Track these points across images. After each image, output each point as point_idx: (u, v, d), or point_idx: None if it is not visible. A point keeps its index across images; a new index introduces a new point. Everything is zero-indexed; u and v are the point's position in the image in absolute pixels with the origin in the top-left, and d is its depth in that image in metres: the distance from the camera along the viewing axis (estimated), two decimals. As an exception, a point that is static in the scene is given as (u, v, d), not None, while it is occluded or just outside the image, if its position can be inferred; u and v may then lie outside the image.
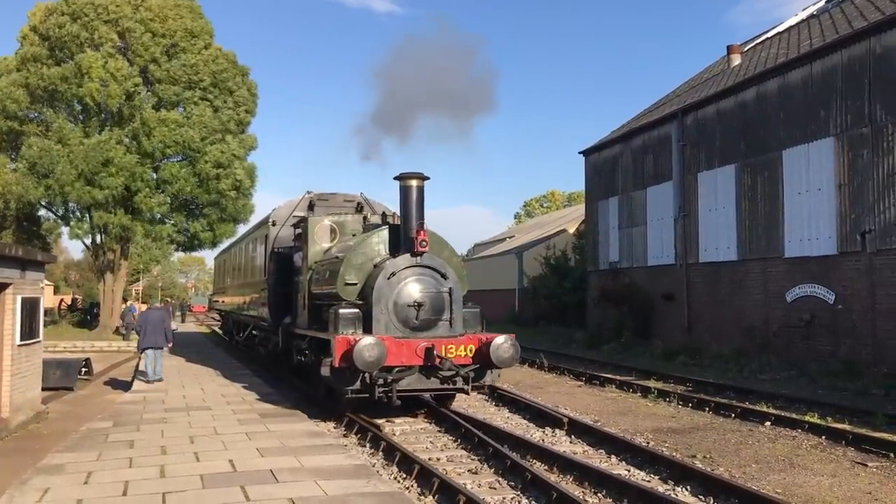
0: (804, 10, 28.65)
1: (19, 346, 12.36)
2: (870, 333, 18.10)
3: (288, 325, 15.76)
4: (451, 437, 11.70)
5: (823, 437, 11.70)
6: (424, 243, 12.20)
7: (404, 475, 9.23)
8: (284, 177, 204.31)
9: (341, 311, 11.99)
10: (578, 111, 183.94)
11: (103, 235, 37.36)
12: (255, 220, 33.05)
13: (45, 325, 14.80)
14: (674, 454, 10.42)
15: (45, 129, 34.95)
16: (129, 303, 45.69)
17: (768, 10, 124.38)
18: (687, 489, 8.57)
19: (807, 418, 12.82)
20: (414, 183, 12.53)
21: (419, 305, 12.13)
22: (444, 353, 11.61)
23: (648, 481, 8.87)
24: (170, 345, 17.73)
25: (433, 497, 8.27)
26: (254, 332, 22.71)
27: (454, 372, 11.73)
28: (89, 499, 7.44)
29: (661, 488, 8.51)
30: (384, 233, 13.18)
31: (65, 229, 38.54)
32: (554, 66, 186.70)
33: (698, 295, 25.05)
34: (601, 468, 9.21)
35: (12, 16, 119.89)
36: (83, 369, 19.13)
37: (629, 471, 9.43)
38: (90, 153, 32.91)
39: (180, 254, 53.75)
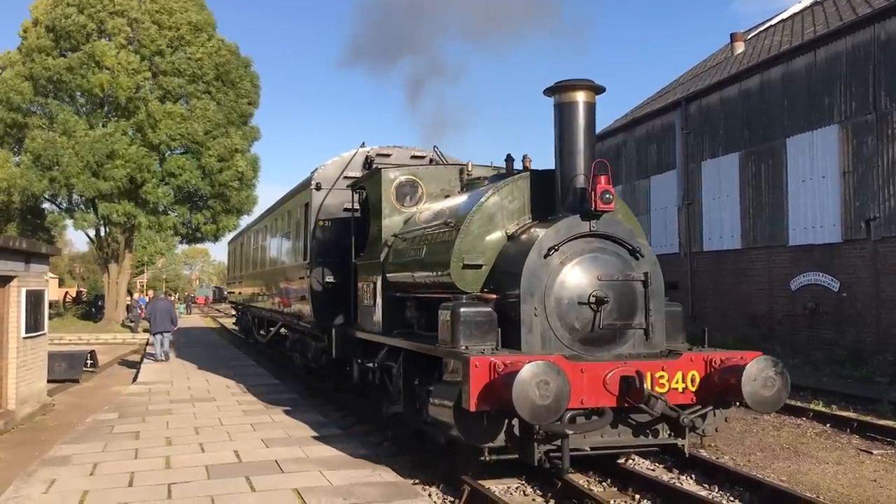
0: (808, -4, 28.48)
1: (24, 338, 12.39)
2: (874, 321, 18.08)
3: (343, 328, 11.61)
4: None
5: (828, 424, 11.70)
6: (609, 197, 7.38)
7: None
8: (288, 167, 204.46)
9: (465, 309, 7.37)
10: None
11: (108, 227, 37.45)
12: (258, 210, 32.25)
13: (49, 318, 14.85)
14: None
15: (50, 121, 34.99)
16: (135, 296, 45.87)
17: (771, 0, 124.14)
18: (692, 478, 8.57)
19: (811, 406, 12.83)
20: (581, 97, 7.78)
21: (599, 303, 7.38)
22: (652, 387, 7.01)
23: (653, 470, 8.86)
24: (175, 328, 20.89)
25: None
26: (284, 331, 18.11)
27: (674, 416, 7.12)
28: (95, 490, 7.47)
29: (666, 477, 8.51)
30: (522, 184, 8.38)
31: (69, 221, 38.64)
32: (553, 61, 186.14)
33: (702, 284, 25.02)
34: None
35: (13, 11, 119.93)
36: (88, 361, 19.22)
37: (633, 459, 9.41)
38: (95, 145, 32.96)
39: (184, 246, 53.82)
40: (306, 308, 13.49)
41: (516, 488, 8.08)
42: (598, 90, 7.90)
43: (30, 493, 7.40)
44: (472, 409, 6.58)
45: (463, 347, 7.15)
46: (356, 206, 11.77)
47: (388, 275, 9.91)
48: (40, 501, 7.16)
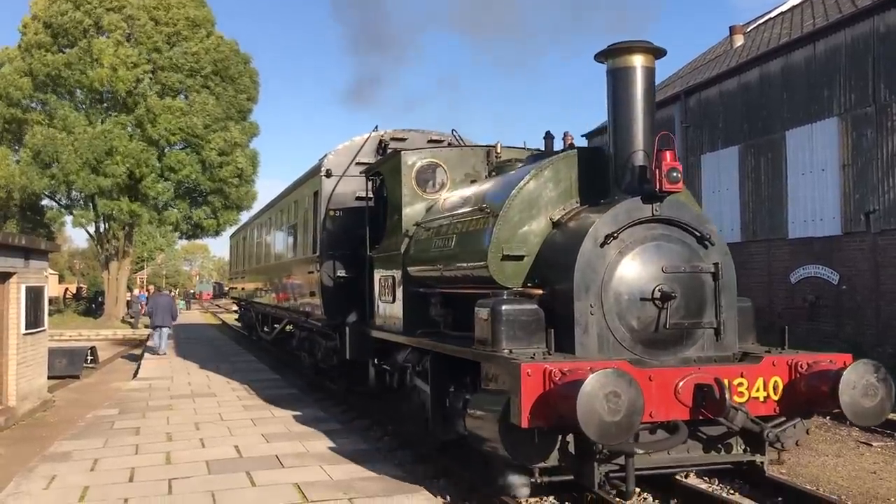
0: (807, -11, 28.43)
1: (24, 334, 12.41)
2: (874, 314, 18.08)
3: (358, 326, 10.78)
4: None
5: (828, 416, 11.71)
6: (676, 175, 6.39)
7: None
8: (287, 164, 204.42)
9: (508, 307, 6.43)
10: (578, 96, 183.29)
11: (108, 223, 37.46)
12: (258, 206, 32.06)
13: (50, 314, 14.86)
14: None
15: (49, 117, 34.98)
16: (135, 292, 45.86)
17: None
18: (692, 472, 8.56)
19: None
20: (638, 61, 6.80)
21: (665, 298, 6.39)
22: (731, 396, 6.00)
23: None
24: (174, 322, 21.76)
25: None
26: (290, 329, 17.27)
27: (757, 429, 6.23)
28: (96, 486, 7.48)
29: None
30: (567, 164, 7.38)
31: (69, 218, 38.67)
32: (551, 60, 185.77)
33: (702, 277, 24.96)
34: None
35: (14, 6, 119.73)
36: (89, 357, 19.24)
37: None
38: (95, 141, 32.96)
39: (184, 241, 53.87)
40: (316, 304, 12.51)
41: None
42: (658, 53, 6.89)
43: (30, 489, 7.41)
44: (525, 425, 5.65)
45: (506, 351, 6.25)
46: (370, 194, 10.87)
47: (409, 268, 8.96)
48: (41, 497, 7.17)
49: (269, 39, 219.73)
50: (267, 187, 77.43)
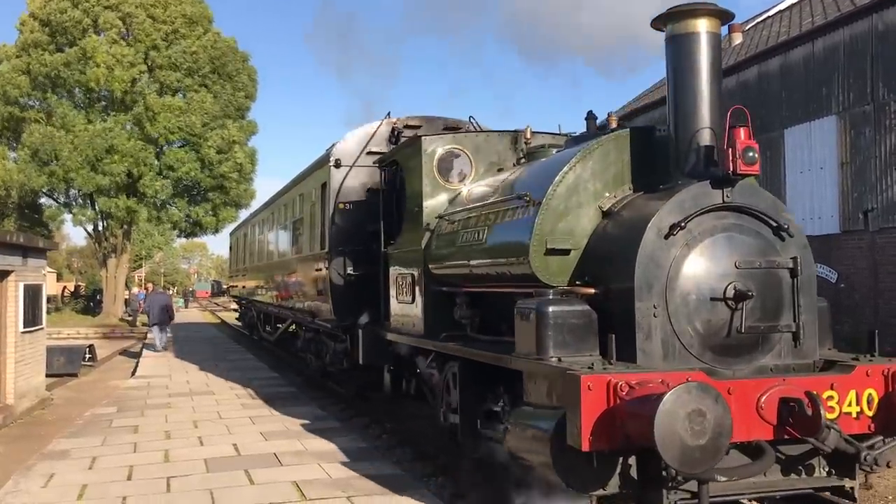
0: (806, -13, 28.42)
1: (23, 332, 12.39)
2: (872, 312, 18.09)
3: (372, 328, 10.04)
4: None
5: None
6: (753, 156, 5.60)
7: None
8: (285, 162, 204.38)
9: (556, 308, 5.65)
10: (574, 94, 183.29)
11: (107, 221, 37.45)
12: (256, 204, 31.84)
13: (48, 313, 14.85)
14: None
15: (47, 115, 34.95)
16: (134, 290, 45.84)
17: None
18: None
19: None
20: (703, 25, 5.96)
21: (740, 298, 5.55)
22: (822, 411, 5.07)
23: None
24: (172, 321, 22.56)
25: None
26: (295, 329, 16.75)
27: (852, 451, 5.34)
28: (94, 484, 7.48)
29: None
30: (618, 145, 6.49)
31: (68, 216, 38.67)
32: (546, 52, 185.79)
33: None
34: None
35: (11, 2, 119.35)
36: (87, 356, 19.22)
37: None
38: (95, 139, 32.94)
39: (182, 240, 53.82)
40: (324, 304, 11.77)
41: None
42: (726, 16, 6.06)
43: (29, 487, 7.41)
44: (585, 447, 4.76)
45: (553, 359, 5.44)
46: (384, 185, 10.11)
47: (430, 265, 8.18)
48: (39, 495, 7.16)
49: (266, 38, 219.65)
50: (265, 186, 77.26)
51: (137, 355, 21.21)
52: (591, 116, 7.82)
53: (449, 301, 8.00)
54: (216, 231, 40.09)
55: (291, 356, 17.80)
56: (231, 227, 35.36)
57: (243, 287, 25.00)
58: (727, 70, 23.63)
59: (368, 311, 10.27)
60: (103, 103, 35.69)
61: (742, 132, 5.61)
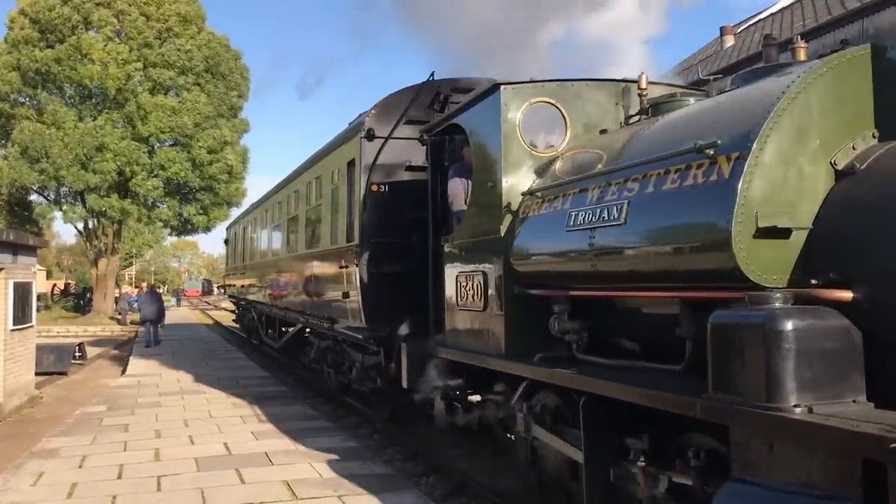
0: (798, -10, 28.55)
1: (12, 330, 12.34)
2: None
3: (417, 343, 8.00)
4: None
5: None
6: None
7: None
8: (277, 161, 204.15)
9: (801, 322, 3.43)
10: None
11: (97, 220, 37.30)
12: (247, 202, 31.01)
13: (37, 310, 14.79)
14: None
15: (38, 112, 34.78)
16: (125, 290, 45.73)
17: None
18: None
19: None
20: None
21: None
22: None
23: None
24: (164, 320, 23.80)
25: None
26: (309, 336, 14.40)
27: None
28: (84, 482, 7.46)
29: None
30: (856, 68, 4.36)
31: (58, 214, 38.51)
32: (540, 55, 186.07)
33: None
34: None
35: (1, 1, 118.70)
36: (77, 354, 19.15)
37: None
38: (85, 137, 32.81)
39: (173, 238, 53.64)
40: (350, 308, 9.74)
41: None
42: None
43: (18, 486, 7.39)
44: None
45: (797, 407, 3.35)
46: (431, 160, 8.21)
47: (514, 260, 6.04)
48: (28, 494, 7.14)
49: (259, 37, 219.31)
50: (257, 184, 77.17)
51: (128, 354, 21.13)
52: (769, 40, 5.40)
53: (542, 309, 5.87)
54: (207, 230, 40.01)
55: (294, 362, 16.71)
56: (222, 225, 35.28)
57: (242, 286, 23.01)
58: (719, 73, 23.73)
59: (410, 320, 8.39)
60: (95, 100, 35.52)
61: None
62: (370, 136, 9.30)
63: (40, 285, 32.01)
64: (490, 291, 6.41)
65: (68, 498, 6.98)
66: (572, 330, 5.64)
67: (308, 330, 14.23)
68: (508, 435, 6.96)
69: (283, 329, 17.20)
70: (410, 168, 9.15)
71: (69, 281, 68.25)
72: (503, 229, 6.25)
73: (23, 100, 35.77)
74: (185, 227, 39.99)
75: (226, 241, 28.62)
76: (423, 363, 7.77)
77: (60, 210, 37.44)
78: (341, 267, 10.15)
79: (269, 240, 17.84)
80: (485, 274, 6.52)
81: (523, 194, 6.22)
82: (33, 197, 39.45)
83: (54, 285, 61.11)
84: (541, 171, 6.29)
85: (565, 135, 6.41)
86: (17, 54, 34.17)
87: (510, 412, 6.47)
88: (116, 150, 33.43)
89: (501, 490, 7.29)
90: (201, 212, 38.08)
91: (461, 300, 6.98)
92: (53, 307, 44.32)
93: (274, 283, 16.57)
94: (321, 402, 12.94)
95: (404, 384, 8.10)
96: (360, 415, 11.27)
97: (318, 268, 11.95)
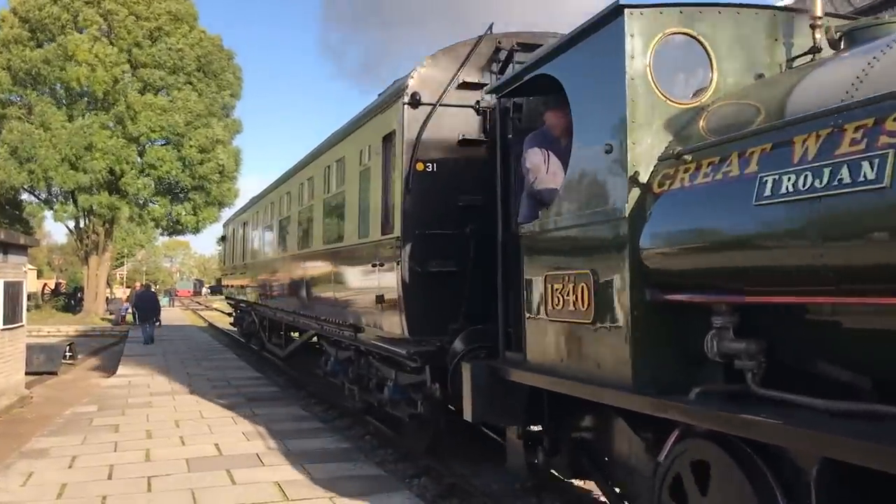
0: (790, -6, 28.64)
1: (2, 329, 12.31)
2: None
3: (484, 363, 6.12)
4: None
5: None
6: None
7: None
8: (272, 161, 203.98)
9: None
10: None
11: (88, 219, 37.19)
12: (240, 203, 29.70)
13: (28, 310, 14.73)
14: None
15: (28, 112, 34.66)
16: (118, 295, 45.60)
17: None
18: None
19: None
20: None
21: None
22: None
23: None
24: (158, 316, 24.70)
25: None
26: (323, 344, 12.15)
27: None
28: (74, 483, 7.42)
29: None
30: None
31: (48, 213, 38.40)
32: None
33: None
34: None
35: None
36: (67, 354, 19.07)
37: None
38: (73, 137, 32.69)
39: (164, 238, 53.47)
40: (385, 315, 8.00)
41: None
42: None
43: (7, 486, 7.34)
44: None
45: None
46: (500, 130, 6.42)
47: (649, 251, 4.27)
48: (18, 494, 7.10)
49: (252, 37, 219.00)
50: (250, 185, 76.97)
51: (119, 354, 21.04)
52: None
53: (683, 323, 4.27)
54: (196, 231, 39.87)
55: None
56: (216, 226, 35.09)
57: (242, 287, 20.91)
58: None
59: (467, 333, 6.81)
60: (85, 100, 35.39)
61: None
62: (415, 101, 7.55)
63: (31, 284, 31.88)
64: (603, 297, 4.63)
65: (58, 498, 6.93)
66: (745, 353, 3.84)
67: (316, 337, 12.79)
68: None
69: (292, 335, 15.51)
70: (465, 142, 7.54)
71: (60, 280, 67.98)
72: (628, 209, 4.42)
73: (14, 99, 35.63)
74: (174, 228, 39.89)
75: (223, 239, 26.83)
76: (496, 390, 5.92)
77: (51, 209, 37.31)
78: (374, 265, 8.32)
79: (275, 236, 15.87)
80: (594, 273, 4.72)
81: (661, 159, 4.43)
82: (24, 196, 39.34)
83: (45, 284, 60.84)
84: (680, 130, 4.51)
85: (712, 80, 4.67)
86: (8, 54, 34.04)
87: (640, 466, 4.81)
88: (105, 149, 33.32)
89: (493, 492, 7.26)
90: (192, 212, 37.98)
91: (553, 309, 5.17)
92: (44, 306, 44.11)
93: (281, 283, 14.84)
94: (313, 402, 12.91)
95: (468, 417, 6.07)
96: (392, 446, 9.30)
97: (340, 266, 10.26)
